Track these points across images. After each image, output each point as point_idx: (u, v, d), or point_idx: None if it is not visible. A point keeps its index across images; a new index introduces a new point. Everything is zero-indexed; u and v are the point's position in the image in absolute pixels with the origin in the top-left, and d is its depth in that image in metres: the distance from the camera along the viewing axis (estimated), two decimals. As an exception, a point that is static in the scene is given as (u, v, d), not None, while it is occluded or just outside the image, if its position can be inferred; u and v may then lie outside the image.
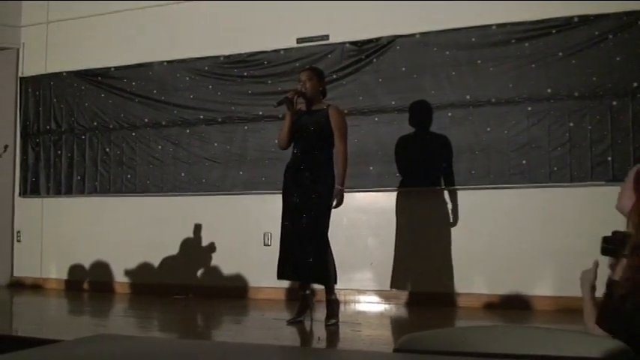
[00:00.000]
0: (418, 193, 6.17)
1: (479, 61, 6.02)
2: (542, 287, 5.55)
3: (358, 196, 6.24)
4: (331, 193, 4.86)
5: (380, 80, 6.35)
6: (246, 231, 6.78)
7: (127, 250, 7.27)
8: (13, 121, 8.05)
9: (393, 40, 6.32)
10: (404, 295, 6.16)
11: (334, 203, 4.86)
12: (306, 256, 4.79)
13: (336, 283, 4.95)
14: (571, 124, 5.72)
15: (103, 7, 7.55)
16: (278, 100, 4.99)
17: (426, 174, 6.15)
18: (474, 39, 6.04)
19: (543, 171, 5.76)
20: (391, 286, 6.14)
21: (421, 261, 6.10)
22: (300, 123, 4.95)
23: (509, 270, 5.79)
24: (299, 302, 5.10)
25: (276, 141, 5.20)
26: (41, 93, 7.90)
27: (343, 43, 6.51)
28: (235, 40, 6.95)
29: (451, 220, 5.98)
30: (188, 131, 7.12)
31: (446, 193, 6.06)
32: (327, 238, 4.85)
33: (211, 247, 6.95)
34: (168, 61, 7.24)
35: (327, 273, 4.84)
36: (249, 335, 4.80)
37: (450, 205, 6.01)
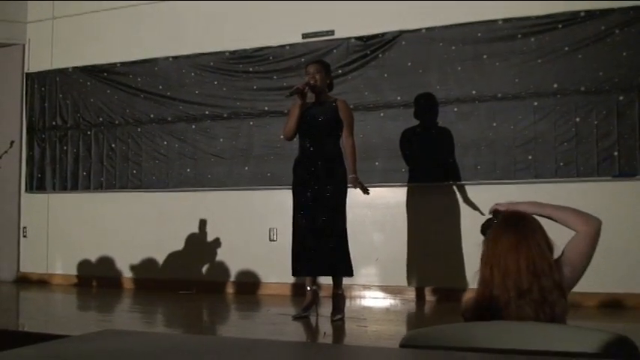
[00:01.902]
0: (424, 188, 6.17)
1: (485, 56, 6.00)
2: (548, 283, 5.53)
3: (364, 191, 6.24)
4: (345, 185, 4.89)
5: (385, 75, 6.34)
6: (251, 226, 6.79)
7: (132, 246, 7.29)
8: (18, 116, 8.06)
9: (398, 35, 6.31)
10: (410, 291, 6.16)
11: (364, 192, 4.88)
12: (329, 250, 4.79)
13: (352, 275, 4.97)
14: (577, 119, 5.70)
15: (108, 3, 7.56)
16: (290, 90, 4.96)
17: (432, 169, 6.14)
18: (479, 34, 6.03)
19: (549, 166, 5.75)
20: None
21: (427, 256, 6.10)
22: (308, 115, 4.94)
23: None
24: (305, 298, 5.09)
25: (282, 135, 5.16)
26: (47, 89, 7.92)
27: (349, 39, 6.50)
28: (241, 35, 6.95)
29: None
30: (193, 127, 7.13)
31: (456, 189, 6.06)
32: (347, 231, 4.88)
33: (217, 243, 6.96)
34: (173, 57, 7.25)
35: (350, 264, 4.86)
36: (254, 331, 4.81)
37: (461, 200, 6.00)
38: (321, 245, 4.80)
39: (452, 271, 5.93)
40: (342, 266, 4.86)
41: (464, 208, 5.95)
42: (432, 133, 6.15)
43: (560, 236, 2.21)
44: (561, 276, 2.11)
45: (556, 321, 2.02)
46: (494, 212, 2.27)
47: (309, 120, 4.93)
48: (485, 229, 2.21)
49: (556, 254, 2.15)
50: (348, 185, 4.94)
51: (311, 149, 4.94)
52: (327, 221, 4.80)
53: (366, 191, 4.91)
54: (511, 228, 2.10)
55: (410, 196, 6.18)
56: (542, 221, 2.18)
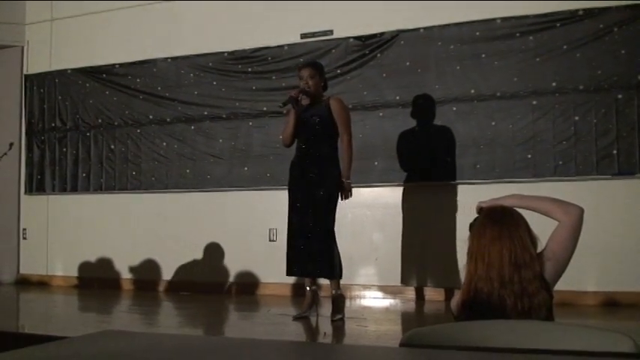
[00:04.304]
0: (424, 187, 6.17)
1: (483, 55, 6.00)
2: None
3: (363, 191, 6.23)
4: (336, 188, 4.86)
5: (384, 75, 6.34)
6: (251, 227, 6.79)
7: (132, 247, 7.29)
8: (18, 118, 8.06)
9: (397, 34, 6.31)
10: (409, 290, 6.16)
11: (342, 197, 4.88)
12: (314, 251, 4.79)
13: (340, 277, 4.95)
14: (576, 118, 5.70)
15: (107, 5, 7.56)
16: (283, 100, 4.97)
17: (431, 168, 6.14)
18: (478, 33, 6.03)
19: (548, 165, 5.75)
20: (401, 282, 6.13)
21: (426, 256, 6.10)
22: (303, 117, 4.94)
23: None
24: (305, 298, 5.09)
25: (280, 137, 5.19)
26: (46, 90, 7.92)
27: (347, 38, 6.50)
28: (239, 35, 6.95)
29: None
30: (192, 127, 7.13)
31: (455, 188, 6.06)
32: (334, 233, 4.86)
33: (216, 244, 6.95)
34: (172, 58, 7.25)
35: (333, 267, 4.84)
36: (255, 331, 4.81)
37: (460, 199, 6.00)
38: (307, 246, 4.81)
39: (451, 271, 5.93)
40: (324, 268, 4.84)
41: (463, 207, 5.95)
42: (430, 133, 6.15)
43: (546, 231, 2.23)
44: (542, 268, 2.13)
45: (533, 312, 2.05)
46: (479, 210, 2.31)
47: (303, 121, 4.93)
48: (472, 227, 2.24)
49: (541, 249, 2.18)
50: None
51: (305, 150, 4.94)
52: (315, 222, 4.80)
53: (345, 197, 4.90)
54: (494, 221, 2.15)
55: (409, 196, 6.18)
56: (528, 215, 2.20)
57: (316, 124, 4.90)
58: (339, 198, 4.90)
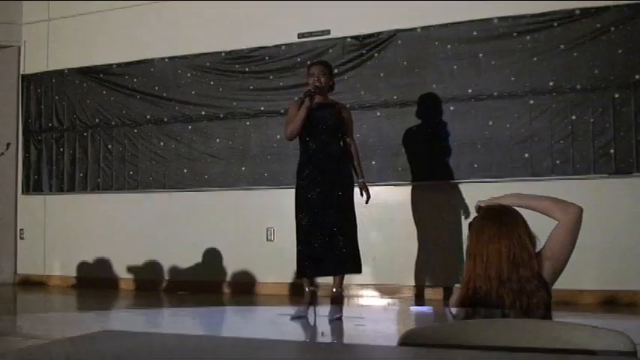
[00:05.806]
0: (421, 186, 6.16)
1: (480, 55, 6.01)
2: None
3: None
4: (352, 185, 4.93)
5: (381, 75, 6.35)
6: (248, 226, 6.79)
7: (129, 247, 7.28)
8: (15, 118, 8.05)
9: (394, 34, 6.31)
10: (407, 289, 6.16)
11: (365, 197, 4.99)
12: (342, 248, 4.78)
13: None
14: (573, 117, 5.71)
15: (104, 5, 7.54)
16: (304, 92, 4.88)
17: (429, 167, 6.15)
18: (475, 32, 6.03)
19: (546, 164, 5.76)
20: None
21: (424, 255, 6.09)
22: (314, 117, 4.87)
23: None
24: (303, 297, 5.08)
25: (285, 136, 5.08)
26: (43, 90, 7.90)
27: (344, 38, 6.50)
28: (236, 35, 6.95)
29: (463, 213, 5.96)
30: (190, 127, 7.12)
31: (452, 187, 6.06)
32: (357, 227, 4.91)
33: (214, 243, 6.95)
34: (169, 58, 7.24)
35: (360, 263, 4.90)
36: (252, 330, 4.80)
37: (458, 198, 6.00)
38: (333, 245, 4.77)
39: (449, 270, 5.94)
40: (354, 264, 4.87)
41: (460, 206, 5.95)
42: (428, 132, 6.15)
43: (545, 230, 2.23)
44: (541, 267, 2.14)
45: (532, 310, 2.05)
46: (478, 209, 2.31)
47: (314, 121, 4.88)
48: (471, 226, 2.25)
49: (539, 248, 2.19)
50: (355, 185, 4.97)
51: (318, 150, 4.89)
52: (339, 220, 4.80)
53: (368, 198, 4.99)
54: (493, 220, 2.16)
55: (407, 195, 6.17)
56: (527, 214, 2.21)
57: (331, 126, 4.91)
58: (362, 196, 4.99)
